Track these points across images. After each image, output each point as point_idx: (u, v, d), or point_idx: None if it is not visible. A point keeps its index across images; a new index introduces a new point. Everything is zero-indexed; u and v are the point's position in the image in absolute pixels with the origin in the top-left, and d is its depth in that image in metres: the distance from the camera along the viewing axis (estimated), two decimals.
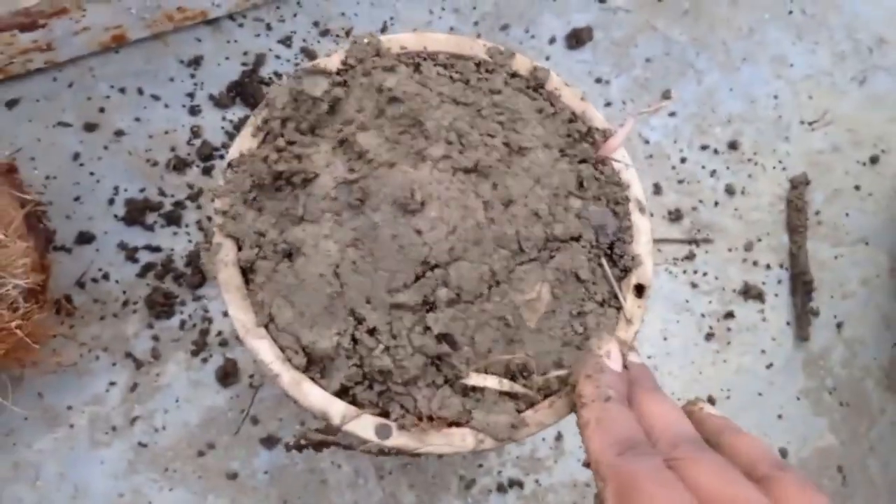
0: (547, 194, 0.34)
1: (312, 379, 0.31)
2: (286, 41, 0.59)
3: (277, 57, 0.59)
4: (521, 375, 0.33)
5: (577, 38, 0.64)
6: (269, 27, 0.60)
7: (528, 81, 0.38)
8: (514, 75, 0.38)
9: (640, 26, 0.67)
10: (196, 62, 0.58)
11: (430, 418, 0.31)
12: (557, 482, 0.54)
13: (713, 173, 0.64)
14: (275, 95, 0.34)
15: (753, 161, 0.65)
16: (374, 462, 0.52)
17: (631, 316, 0.35)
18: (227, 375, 0.51)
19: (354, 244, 0.32)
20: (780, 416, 0.60)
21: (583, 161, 0.37)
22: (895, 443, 0.61)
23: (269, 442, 0.51)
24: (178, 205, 0.54)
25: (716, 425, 0.29)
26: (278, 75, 0.58)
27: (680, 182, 0.63)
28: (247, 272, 0.33)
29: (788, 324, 0.62)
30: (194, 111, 0.57)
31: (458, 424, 0.31)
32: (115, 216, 0.53)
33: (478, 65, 0.38)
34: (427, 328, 0.31)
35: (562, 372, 0.33)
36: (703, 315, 0.61)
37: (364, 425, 0.30)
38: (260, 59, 0.58)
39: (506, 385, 0.32)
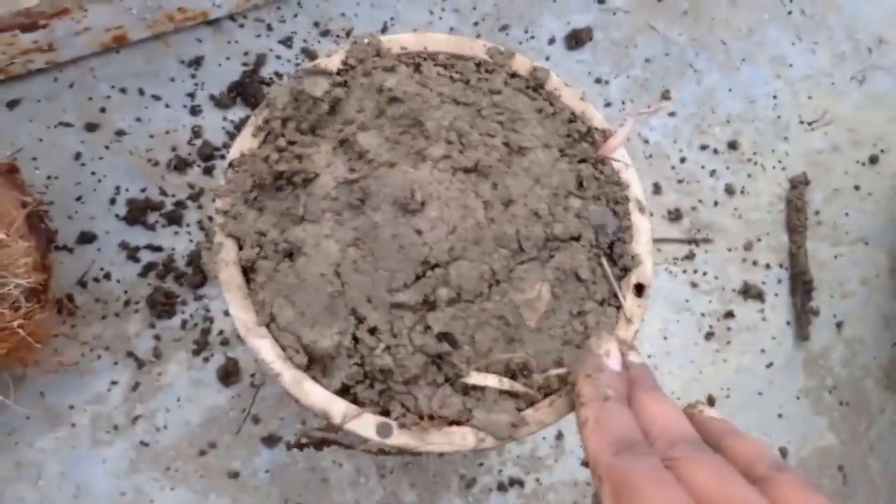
0: (547, 194, 0.35)
1: (313, 378, 0.31)
2: (287, 41, 0.60)
3: (278, 57, 0.59)
4: (521, 374, 0.33)
5: (577, 39, 0.64)
6: (269, 28, 0.60)
7: (527, 81, 0.39)
8: (513, 75, 0.38)
9: (640, 27, 0.67)
10: (197, 62, 0.58)
11: (431, 417, 0.31)
12: (558, 481, 0.54)
13: (713, 173, 0.64)
14: (275, 95, 0.34)
15: (753, 161, 0.65)
16: (375, 461, 0.52)
17: (631, 315, 0.35)
18: (229, 375, 0.51)
19: (355, 244, 0.32)
20: (780, 416, 0.60)
21: (582, 161, 0.37)
22: (895, 442, 0.61)
23: (271, 441, 0.51)
24: (180, 204, 0.54)
25: (717, 428, 0.29)
26: (279, 75, 0.59)
27: (679, 182, 0.63)
28: (248, 272, 0.33)
29: (788, 323, 0.62)
30: (195, 111, 0.57)
31: (458, 423, 0.31)
32: (117, 216, 0.53)
33: (478, 65, 0.38)
34: (427, 327, 0.31)
35: (562, 371, 0.33)
36: (702, 314, 0.61)
37: (365, 424, 0.31)
38: (260, 60, 0.59)
39: (506, 384, 0.32)
